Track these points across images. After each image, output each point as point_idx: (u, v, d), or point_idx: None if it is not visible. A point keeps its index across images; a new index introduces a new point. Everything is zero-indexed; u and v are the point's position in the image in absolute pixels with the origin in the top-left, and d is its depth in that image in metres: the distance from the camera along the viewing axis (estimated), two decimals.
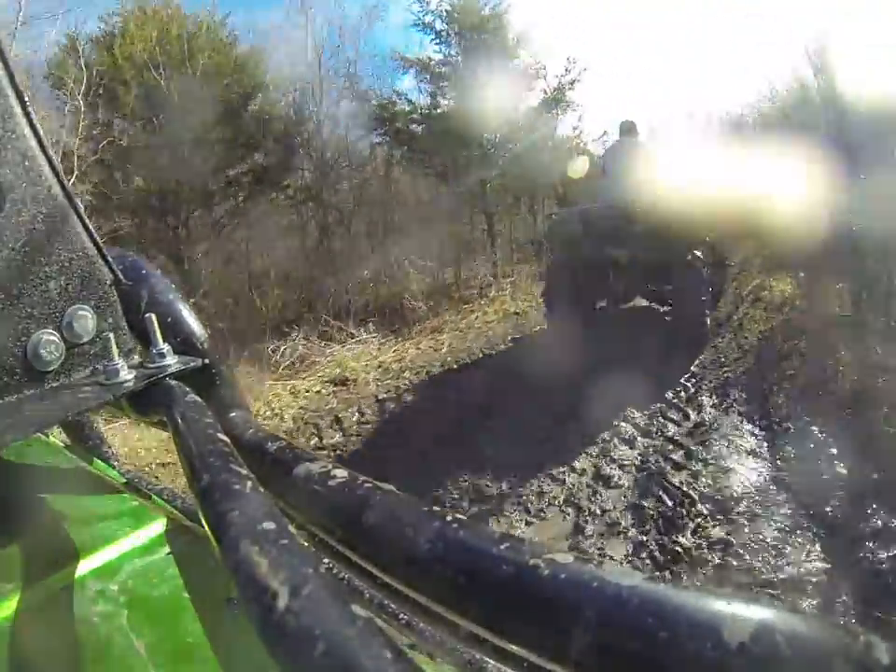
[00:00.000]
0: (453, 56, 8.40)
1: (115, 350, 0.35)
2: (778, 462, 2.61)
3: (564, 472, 2.70)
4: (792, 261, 5.48)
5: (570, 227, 4.29)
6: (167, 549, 0.40)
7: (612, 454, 2.87)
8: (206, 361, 0.40)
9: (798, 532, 2.10)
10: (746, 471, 2.59)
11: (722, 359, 3.99)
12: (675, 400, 3.46)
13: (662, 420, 3.21)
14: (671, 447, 2.89)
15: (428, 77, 8.43)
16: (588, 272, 4.37)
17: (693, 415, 3.22)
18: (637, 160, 4.34)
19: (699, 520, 2.23)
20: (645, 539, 2.19)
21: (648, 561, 2.07)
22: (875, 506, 2.15)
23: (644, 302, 4.88)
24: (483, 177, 8.43)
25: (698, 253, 4.02)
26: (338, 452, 3.22)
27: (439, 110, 8.43)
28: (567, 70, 8.97)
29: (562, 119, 9.32)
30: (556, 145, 9.18)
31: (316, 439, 3.45)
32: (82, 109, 5.24)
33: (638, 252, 3.99)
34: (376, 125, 8.21)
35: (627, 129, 4.84)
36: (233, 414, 0.40)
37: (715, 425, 3.07)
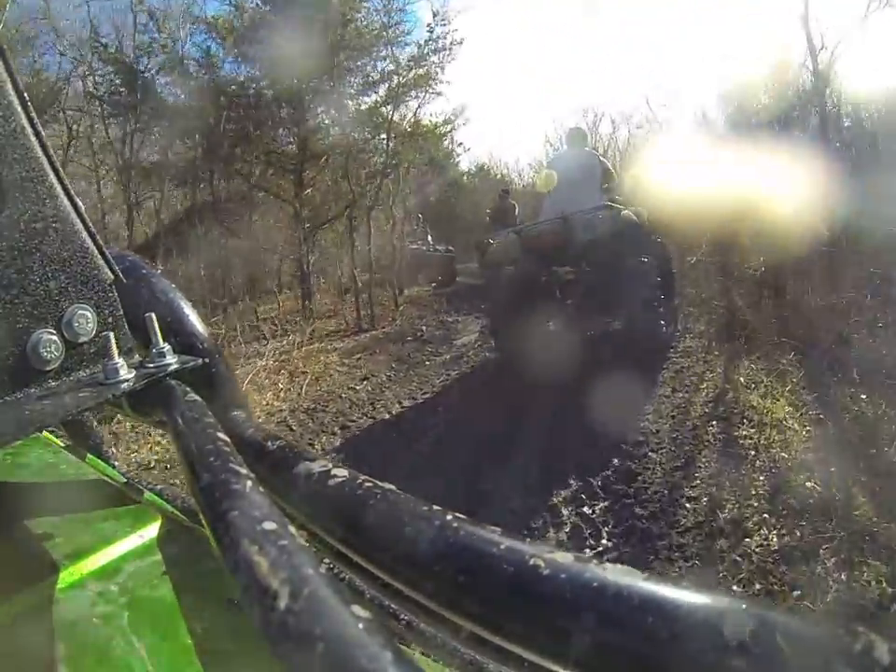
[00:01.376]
0: (259, 9, 5.59)
1: (115, 349, 0.35)
2: None
3: None
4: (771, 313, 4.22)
5: (508, 248, 3.90)
6: (167, 549, 0.40)
7: None
8: (206, 360, 0.40)
9: None
10: None
11: None
12: None
13: None
14: None
15: (217, 36, 5.50)
16: (531, 293, 3.96)
17: None
18: (587, 170, 4.08)
19: None
20: None
21: None
22: None
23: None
24: (297, 176, 5.94)
25: (645, 259, 3.80)
26: None
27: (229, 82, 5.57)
28: (430, 35, 6.17)
29: (426, 102, 6.77)
30: (413, 134, 6.81)
31: None
32: None
33: (583, 266, 3.77)
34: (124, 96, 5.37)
35: (576, 137, 4.48)
36: (233, 414, 0.40)
37: None
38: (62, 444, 0.58)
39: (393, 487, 0.26)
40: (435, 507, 0.24)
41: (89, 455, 0.56)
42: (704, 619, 0.17)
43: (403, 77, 6.54)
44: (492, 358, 4.68)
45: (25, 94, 0.33)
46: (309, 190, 6.32)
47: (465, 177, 13.81)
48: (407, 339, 5.67)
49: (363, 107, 6.68)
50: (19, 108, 0.33)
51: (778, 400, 2.89)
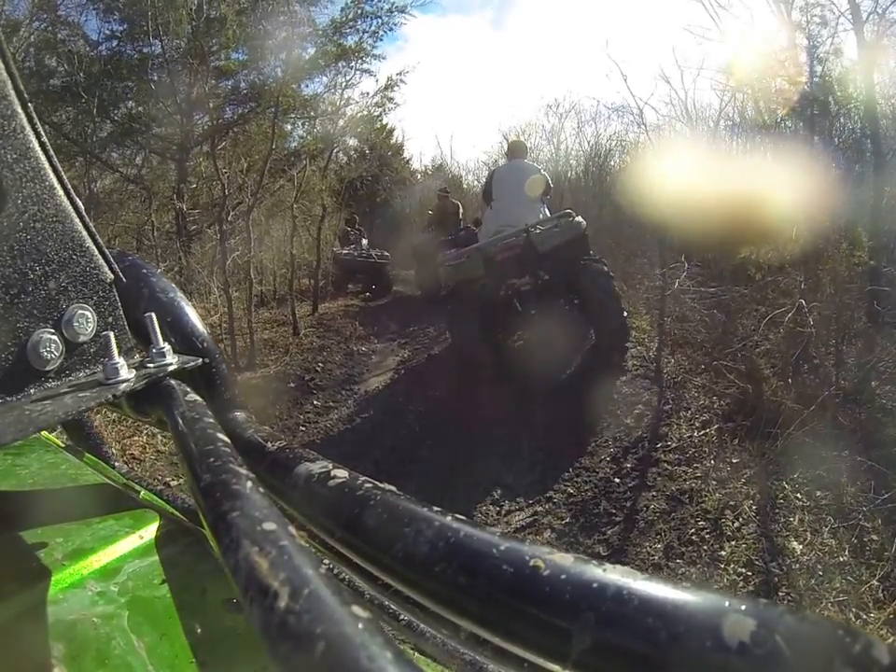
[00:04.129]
0: None
1: (115, 349, 0.35)
2: None
3: None
4: None
5: (470, 266, 3.76)
6: (167, 549, 0.40)
7: None
8: (206, 360, 0.40)
9: None
10: None
11: None
12: None
13: None
14: None
15: None
16: (493, 309, 3.83)
17: None
18: (532, 182, 4.05)
19: None
20: None
21: None
22: None
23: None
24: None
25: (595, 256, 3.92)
26: None
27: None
28: None
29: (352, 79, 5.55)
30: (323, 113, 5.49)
31: None
32: None
33: (541, 274, 3.73)
34: None
35: (517, 150, 4.52)
36: (233, 414, 0.40)
37: None
38: (61, 444, 0.58)
39: (393, 488, 0.26)
40: (435, 508, 0.24)
41: (88, 456, 0.56)
42: (704, 619, 0.17)
43: (322, 45, 5.12)
44: (408, 415, 3.52)
45: (25, 94, 0.33)
46: (196, 183, 4.79)
47: (419, 176, 12.48)
48: (290, 385, 4.04)
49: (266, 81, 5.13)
50: (19, 108, 0.33)
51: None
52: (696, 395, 3.09)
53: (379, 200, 10.92)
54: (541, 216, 3.98)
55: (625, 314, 3.78)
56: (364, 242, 8.12)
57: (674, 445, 2.67)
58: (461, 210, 7.05)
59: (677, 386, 3.24)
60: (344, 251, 7.69)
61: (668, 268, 3.96)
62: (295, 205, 5.43)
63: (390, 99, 6.46)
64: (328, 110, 5.82)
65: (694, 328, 3.88)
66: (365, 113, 6.35)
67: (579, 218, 3.80)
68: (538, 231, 3.65)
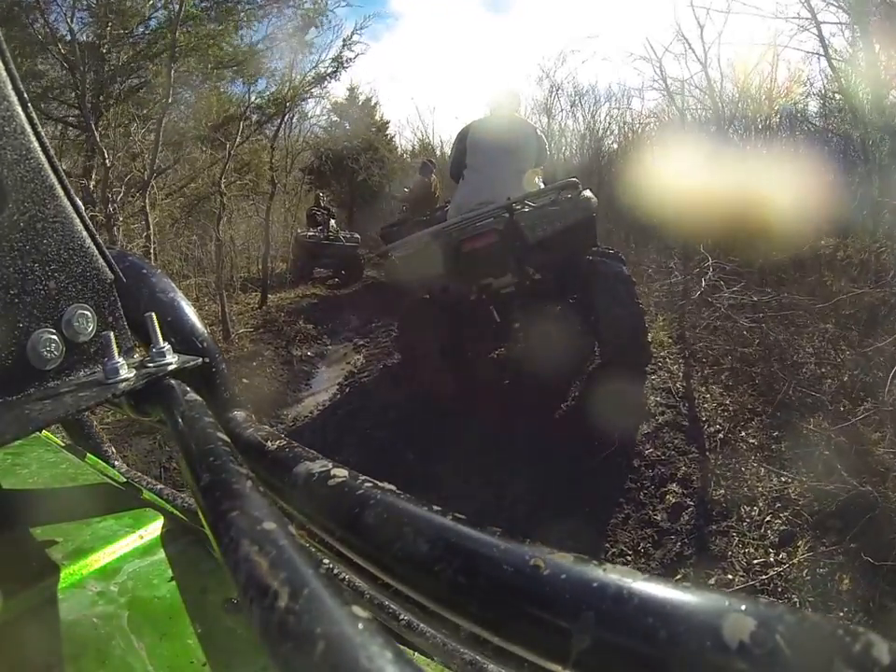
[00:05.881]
0: None
1: (115, 349, 0.35)
2: None
3: None
4: None
5: (424, 261, 2.61)
6: (167, 549, 0.40)
7: None
8: (206, 360, 0.40)
9: None
10: None
11: None
12: None
13: None
14: None
15: None
16: (459, 321, 2.83)
17: None
18: (521, 145, 2.85)
19: None
20: None
21: None
22: None
23: None
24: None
25: (610, 251, 2.82)
26: None
27: None
28: None
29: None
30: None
31: None
32: None
33: (530, 273, 2.67)
34: None
35: (506, 100, 3.09)
36: (233, 414, 0.40)
37: None
38: (62, 444, 0.58)
39: (393, 487, 0.26)
40: (435, 507, 0.24)
41: (89, 455, 0.56)
42: (704, 619, 0.17)
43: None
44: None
45: (25, 94, 0.33)
46: (110, 158, 3.67)
47: (405, 155, 11.58)
48: None
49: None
50: (19, 108, 0.33)
51: None
52: (757, 468, 1.91)
53: (360, 179, 10.42)
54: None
55: (650, 336, 2.78)
56: (332, 223, 7.40)
57: (740, 580, 1.53)
58: (437, 189, 5.88)
59: (726, 449, 2.09)
60: (309, 233, 7.02)
61: (691, 265, 2.94)
62: (225, 181, 4.68)
63: (350, 47, 5.52)
64: (268, 60, 4.86)
65: (739, 353, 2.74)
66: (324, 67, 5.39)
67: (587, 192, 2.65)
68: (526, 210, 2.50)
